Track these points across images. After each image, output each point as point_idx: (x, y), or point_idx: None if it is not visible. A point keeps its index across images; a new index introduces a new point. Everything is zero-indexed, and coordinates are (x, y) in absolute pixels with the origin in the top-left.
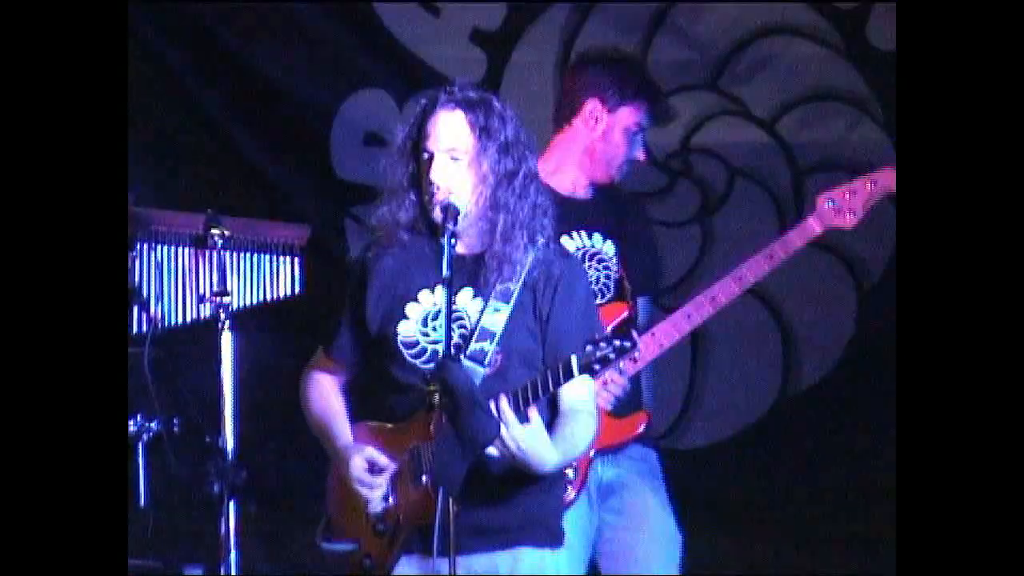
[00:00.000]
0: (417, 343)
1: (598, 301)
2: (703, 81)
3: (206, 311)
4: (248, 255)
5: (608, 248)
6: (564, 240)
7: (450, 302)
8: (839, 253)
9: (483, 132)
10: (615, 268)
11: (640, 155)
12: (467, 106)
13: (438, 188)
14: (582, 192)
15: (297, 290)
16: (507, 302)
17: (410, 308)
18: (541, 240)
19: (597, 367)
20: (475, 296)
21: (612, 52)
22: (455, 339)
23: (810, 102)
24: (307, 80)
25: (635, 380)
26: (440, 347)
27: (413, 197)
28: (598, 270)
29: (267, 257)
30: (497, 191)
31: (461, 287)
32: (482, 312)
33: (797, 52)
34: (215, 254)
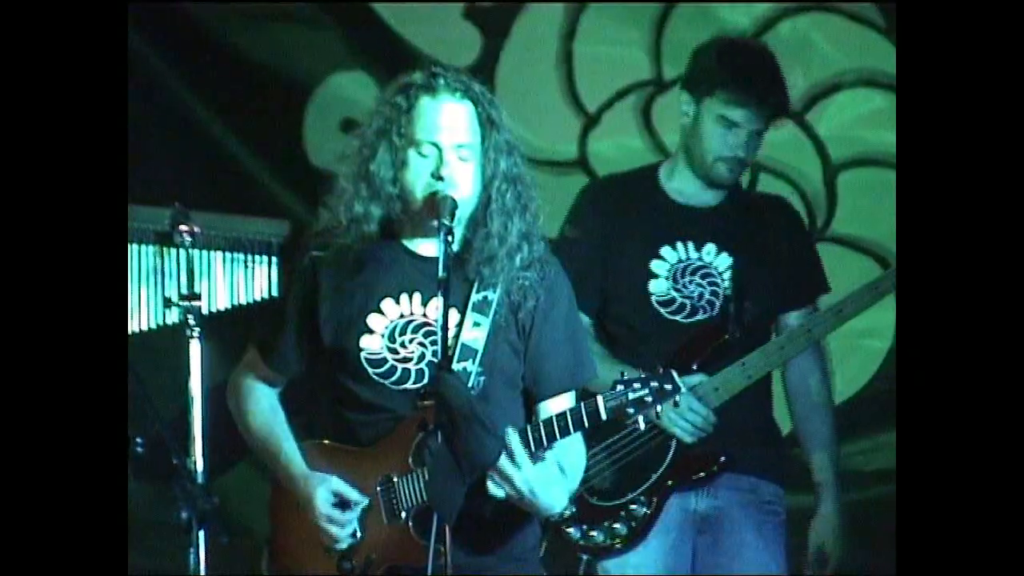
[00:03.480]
0: (385, 361)
1: (697, 318)
2: None
3: (173, 316)
4: (220, 254)
5: (720, 261)
6: (664, 251)
7: (446, 308)
8: (877, 256)
9: (490, 127)
10: (724, 284)
11: (737, 152)
12: (473, 98)
13: (441, 184)
14: (703, 197)
15: (274, 292)
16: (486, 315)
17: (373, 320)
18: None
19: (631, 411)
20: (448, 307)
21: (718, 39)
22: (430, 358)
23: (845, 88)
24: (280, 60)
25: (719, 412)
26: (413, 366)
27: (393, 191)
28: (700, 285)
29: (241, 256)
30: (507, 195)
31: (431, 296)
32: (460, 326)
33: (830, 31)
34: (183, 253)
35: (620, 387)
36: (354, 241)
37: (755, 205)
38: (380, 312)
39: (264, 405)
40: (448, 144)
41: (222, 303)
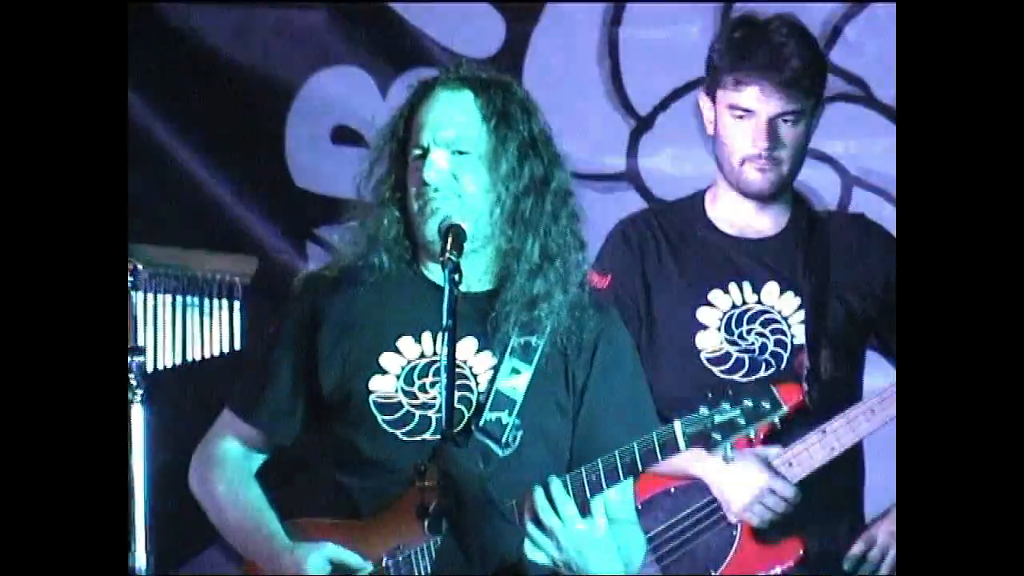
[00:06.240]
0: (399, 405)
1: (759, 375)
2: None
3: None
4: (171, 297)
5: (785, 304)
6: (714, 296)
7: (452, 361)
8: None
9: (501, 120)
10: (792, 332)
11: (758, 146)
12: (479, 85)
13: (435, 193)
14: (759, 224)
15: (237, 345)
16: (529, 363)
17: (388, 360)
18: (576, 281)
19: (717, 437)
20: (480, 349)
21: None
22: (457, 404)
23: None
24: (256, 52)
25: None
26: (433, 414)
27: (396, 212)
28: (762, 335)
29: (197, 300)
30: (521, 203)
31: (462, 335)
32: (496, 371)
33: None
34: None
35: (703, 408)
36: (355, 272)
37: (827, 228)
38: (396, 351)
39: (236, 474)
40: (435, 141)
41: (173, 358)
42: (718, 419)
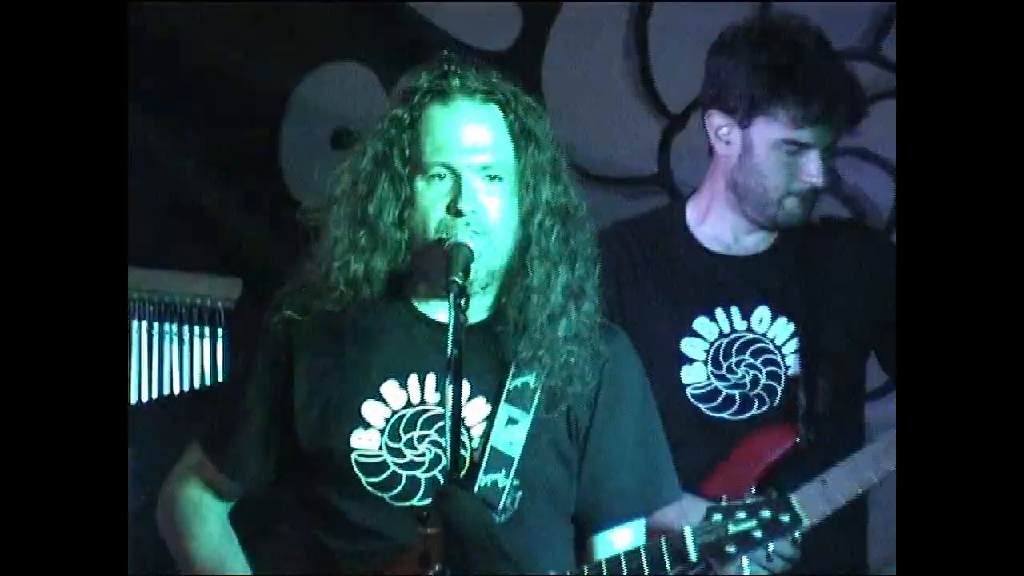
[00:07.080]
0: (384, 466)
1: (751, 413)
2: (854, 46)
3: None
4: (147, 324)
5: (779, 331)
6: (699, 324)
7: (457, 396)
8: None
9: (534, 144)
10: (786, 363)
11: (815, 179)
12: (503, 99)
13: (466, 227)
14: (749, 241)
15: (220, 377)
16: (527, 409)
17: (370, 409)
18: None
19: (731, 550)
20: (473, 395)
21: (743, 31)
22: (446, 463)
23: None
24: (247, 48)
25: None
26: (423, 474)
27: (400, 236)
28: (753, 367)
29: (175, 327)
30: (547, 237)
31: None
32: (491, 422)
33: None
34: None
35: (717, 516)
36: (349, 306)
37: (822, 239)
38: (380, 399)
39: (213, 528)
40: (468, 165)
41: (149, 392)
42: (732, 530)
